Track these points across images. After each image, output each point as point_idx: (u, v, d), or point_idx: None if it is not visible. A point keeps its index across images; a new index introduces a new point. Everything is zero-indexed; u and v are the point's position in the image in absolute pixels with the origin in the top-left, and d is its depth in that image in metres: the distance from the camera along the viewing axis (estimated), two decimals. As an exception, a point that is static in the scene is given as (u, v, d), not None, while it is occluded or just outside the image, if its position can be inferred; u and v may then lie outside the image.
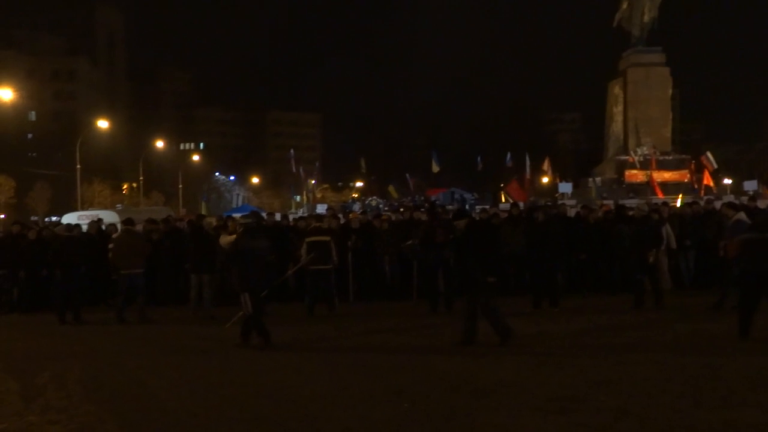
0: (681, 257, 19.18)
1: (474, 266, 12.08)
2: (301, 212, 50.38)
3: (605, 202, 30.92)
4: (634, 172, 47.17)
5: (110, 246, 17.76)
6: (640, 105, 48.24)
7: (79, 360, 12.57)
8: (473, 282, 12.13)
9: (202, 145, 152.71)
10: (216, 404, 9.11)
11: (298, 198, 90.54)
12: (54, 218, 50.80)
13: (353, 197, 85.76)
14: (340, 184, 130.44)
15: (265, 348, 12.67)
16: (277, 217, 24.90)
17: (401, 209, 30.86)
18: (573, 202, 36.67)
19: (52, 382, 10.86)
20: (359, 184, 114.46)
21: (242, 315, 13.22)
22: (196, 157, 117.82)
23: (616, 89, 50.23)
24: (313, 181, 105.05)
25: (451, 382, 9.83)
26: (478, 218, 14.88)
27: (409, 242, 17.57)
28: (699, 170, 46.94)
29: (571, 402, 8.57)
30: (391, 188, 72.48)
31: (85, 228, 21.18)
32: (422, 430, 7.77)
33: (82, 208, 54.80)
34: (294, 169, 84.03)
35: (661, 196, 39.20)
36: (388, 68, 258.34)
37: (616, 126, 50.44)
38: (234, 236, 13.72)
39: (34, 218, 65.67)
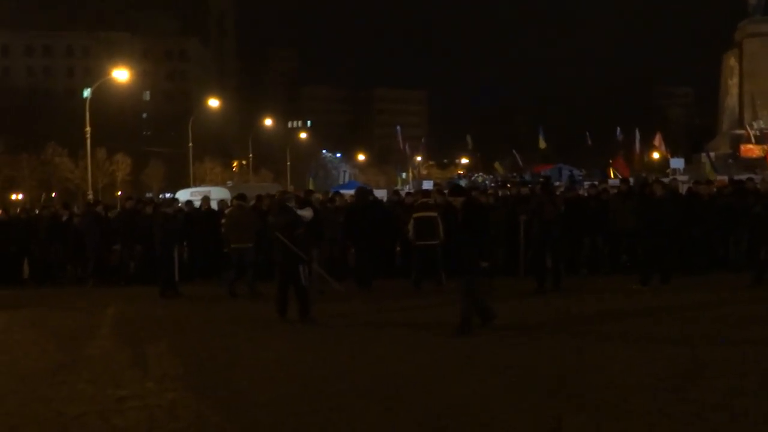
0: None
1: (466, 248, 11.52)
2: (407, 189, 50.50)
3: (720, 177, 30.04)
4: (750, 146, 45.73)
5: (222, 221, 18.18)
6: (758, 77, 46.64)
7: (193, 331, 12.99)
8: (464, 265, 11.56)
9: (309, 122, 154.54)
10: (323, 376, 9.27)
11: (404, 175, 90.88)
12: (168, 195, 52.33)
13: (459, 174, 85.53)
14: (445, 161, 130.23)
15: (279, 319, 13.15)
16: (381, 193, 24.98)
17: (508, 185, 30.64)
18: (685, 177, 35.70)
19: (168, 351, 11.27)
20: (465, 160, 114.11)
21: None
22: (303, 135, 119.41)
23: (732, 61, 48.63)
24: (418, 158, 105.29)
25: (558, 358, 9.76)
26: (474, 197, 13.94)
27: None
28: (819, 145, 45.12)
29: (682, 380, 8.41)
30: (497, 164, 71.97)
31: (197, 204, 21.79)
32: (529, 404, 7.75)
33: (194, 185, 56.29)
34: (401, 146, 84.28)
35: (777, 171, 37.81)
36: (493, 44, 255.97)
37: (731, 99, 48.88)
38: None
39: (148, 194, 67.76)
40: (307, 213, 14.14)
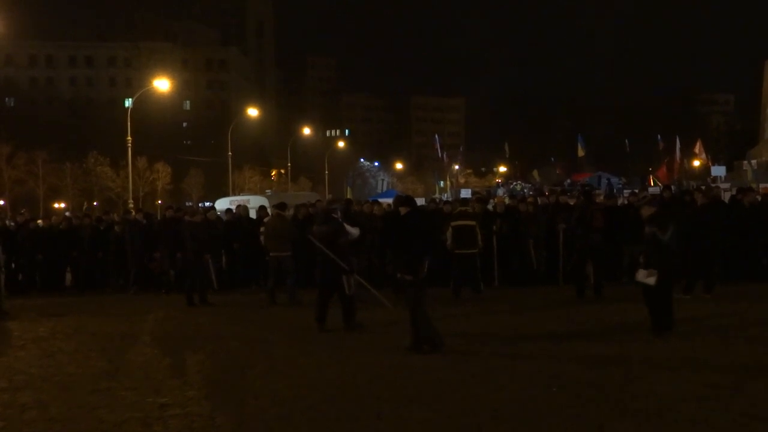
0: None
1: (394, 261, 11.16)
2: (444, 197, 50.44)
3: (762, 185, 29.63)
4: (793, 154, 45.04)
5: (261, 229, 18.29)
6: (800, 84, 45.98)
7: (233, 339, 13.04)
8: (394, 279, 11.29)
9: (347, 131, 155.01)
10: (364, 383, 9.29)
11: (441, 183, 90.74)
12: (207, 203, 52.78)
13: (497, 182, 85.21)
14: (483, 169, 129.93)
15: (317, 327, 13.10)
16: (419, 201, 24.91)
17: (546, 193, 30.50)
18: (727, 185, 35.25)
19: (208, 359, 11.34)
20: (502, 169, 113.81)
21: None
22: (341, 144, 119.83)
23: (774, 67, 48.03)
24: (456, 167, 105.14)
25: (600, 366, 9.68)
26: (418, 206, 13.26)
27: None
28: None
29: (727, 389, 8.30)
30: (535, 173, 71.63)
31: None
32: (571, 412, 7.69)
33: (234, 194, 56.69)
34: (439, 155, 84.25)
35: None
36: (532, 52, 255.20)
37: (774, 106, 48.25)
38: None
39: (188, 203, 68.38)
40: (354, 231, 14.08)
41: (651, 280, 11.37)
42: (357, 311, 13.36)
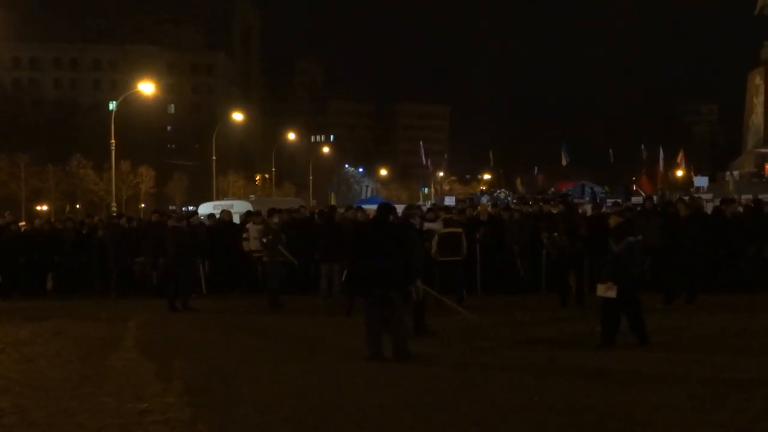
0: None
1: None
2: (428, 204, 50.39)
3: (744, 196, 29.76)
4: (775, 165, 45.36)
5: (244, 235, 18.23)
6: (783, 96, 46.35)
7: (216, 344, 13.00)
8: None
9: (332, 137, 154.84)
10: (349, 391, 9.26)
11: (425, 190, 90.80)
12: (191, 208, 52.57)
13: (481, 189, 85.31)
14: (467, 176, 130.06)
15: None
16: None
17: (530, 202, 30.53)
18: (709, 196, 35.43)
19: (190, 364, 11.28)
20: (487, 176, 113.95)
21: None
22: (326, 149, 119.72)
23: (757, 79, 48.43)
24: (440, 174, 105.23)
25: (581, 375, 9.70)
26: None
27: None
28: None
29: (708, 401, 8.33)
30: (518, 181, 71.81)
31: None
32: (555, 422, 7.70)
33: (217, 198, 56.49)
34: (423, 161, 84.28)
35: (803, 191, 37.33)
36: (517, 60, 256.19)
37: (757, 118, 48.64)
38: None
39: (171, 207, 68.12)
40: (434, 226, 13.89)
41: (611, 294, 11.34)
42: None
